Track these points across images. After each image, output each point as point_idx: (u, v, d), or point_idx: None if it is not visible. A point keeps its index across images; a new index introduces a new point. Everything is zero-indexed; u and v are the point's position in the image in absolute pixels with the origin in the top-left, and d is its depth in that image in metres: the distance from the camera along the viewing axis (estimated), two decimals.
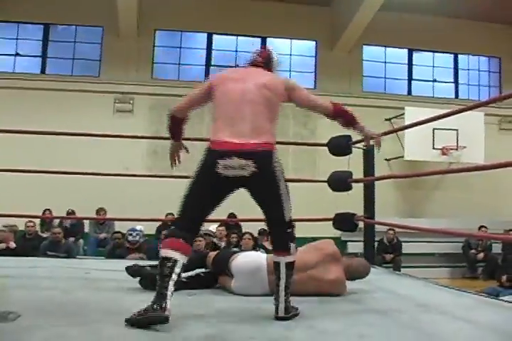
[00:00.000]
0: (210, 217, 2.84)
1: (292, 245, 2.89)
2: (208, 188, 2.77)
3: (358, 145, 5.26)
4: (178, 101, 3.08)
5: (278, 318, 2.74)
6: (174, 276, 2.58)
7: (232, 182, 2.75)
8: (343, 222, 5.04)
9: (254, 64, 3.11)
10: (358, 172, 5.29)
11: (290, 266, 2.87)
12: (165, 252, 2.64)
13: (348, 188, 5.05)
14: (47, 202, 9.52)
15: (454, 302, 3.44)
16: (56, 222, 10.24)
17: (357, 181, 5.16)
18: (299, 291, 3.10)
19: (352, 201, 5.33)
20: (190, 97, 3.04)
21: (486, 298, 3.72)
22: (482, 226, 10.51)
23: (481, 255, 10.98)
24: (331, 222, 5.18)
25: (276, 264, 2.87)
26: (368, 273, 3.72)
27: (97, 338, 2.28)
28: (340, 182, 5.05)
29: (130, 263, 3.66)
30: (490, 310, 3.19)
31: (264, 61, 3.12)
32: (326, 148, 5.18)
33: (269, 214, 2.86)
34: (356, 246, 9.08)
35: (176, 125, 3.14)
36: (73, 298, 3.09)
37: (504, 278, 7.16)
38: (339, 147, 5.01)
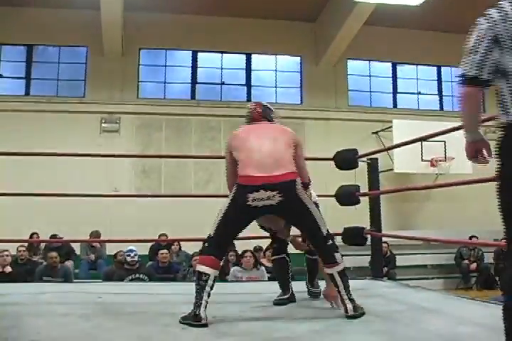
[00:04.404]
0: None
1: (337, 255, 3.20)
2: (239, 218, 3.15)
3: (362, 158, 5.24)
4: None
5: (349, 317, 3.06)
6: (208, 288, 3.00)
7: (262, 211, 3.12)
8: (354, 236, 4.97)
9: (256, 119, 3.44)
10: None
11: (342, 273, 3.19)
12: (200, 267, 3.08)
13: (357, 202, 5.00)
14: (32, 226, 9.35)
15: (484, 313, 3.38)
16: (42, 245, 10.00)
17: (365, 195, 5.11)
18: None
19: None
20: (229, 171, 3.36)
21: None
22: (473, 236, 10.54)
23: (474, 265, 11.01)
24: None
25: (330, 275, 3.20)
26: None
27: None
28: (348, 196, 5.00)
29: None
30: None
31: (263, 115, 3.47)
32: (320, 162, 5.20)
33: (308, 233, 3.28)
34: (359, 260, 8.92)
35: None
36: (97, 324, 2.96)
37: None
38: (346, 161, 4.97)
